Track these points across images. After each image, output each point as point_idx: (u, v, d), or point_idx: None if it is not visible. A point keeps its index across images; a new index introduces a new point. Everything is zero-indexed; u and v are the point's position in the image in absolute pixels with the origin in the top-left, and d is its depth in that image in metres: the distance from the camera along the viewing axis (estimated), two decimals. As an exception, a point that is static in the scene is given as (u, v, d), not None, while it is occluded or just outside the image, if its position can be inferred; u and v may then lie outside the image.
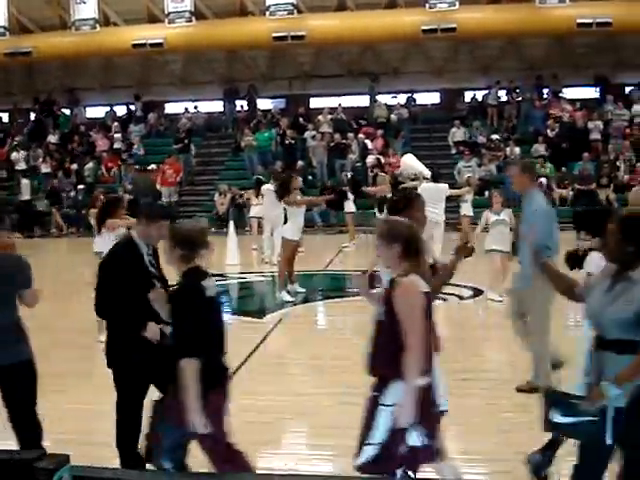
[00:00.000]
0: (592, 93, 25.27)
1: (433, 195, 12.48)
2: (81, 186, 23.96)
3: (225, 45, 25.16)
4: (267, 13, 24.38)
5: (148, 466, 4.32)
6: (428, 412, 3.80)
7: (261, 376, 7.41)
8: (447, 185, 14.33)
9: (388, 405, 3.74)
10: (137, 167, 24.39)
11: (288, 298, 11.19)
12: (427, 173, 14.65)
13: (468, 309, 10.69)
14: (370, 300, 4.16)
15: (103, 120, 27.64)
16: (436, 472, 4.18)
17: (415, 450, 3.73)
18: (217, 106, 27.50)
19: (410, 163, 15.34)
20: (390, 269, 3.91)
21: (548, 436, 4.17)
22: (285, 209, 12.13)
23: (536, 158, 21.68)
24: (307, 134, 24.25)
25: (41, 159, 25.46)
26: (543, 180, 21.24)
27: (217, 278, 13.15)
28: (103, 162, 25.13)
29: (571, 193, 20.98)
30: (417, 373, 3.66)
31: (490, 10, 23.43)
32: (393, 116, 24.83)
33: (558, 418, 3.59)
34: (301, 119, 25.18)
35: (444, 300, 10.11)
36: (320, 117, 24.79)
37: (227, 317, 10.73)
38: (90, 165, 24.85)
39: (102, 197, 10.93)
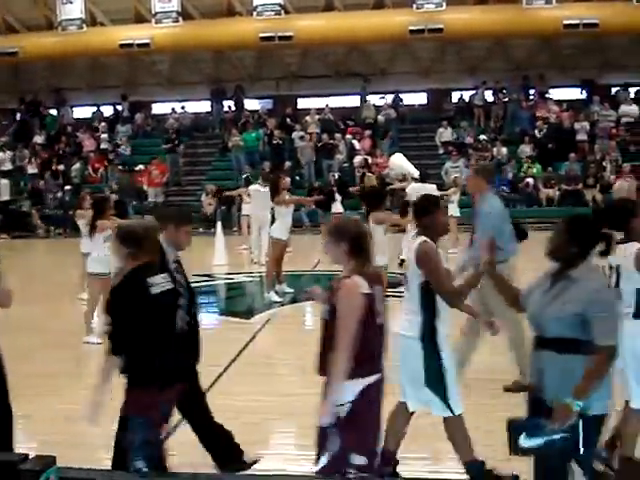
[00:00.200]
0: (578, 94, 25.39)
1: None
2: (68, 187, 23.85)
3: (212, 45, 25.12)
4: (254, 13, 24.38)
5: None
6: (370, 411, 3.83)
7: (249, 376, 7.40)
8: (435, 186, 14.35)
9: (340, 405, 3.75)
10: (121, 168, 24.33)
11: (276, 298, 11.17)
12: (415, 173, 14.64)
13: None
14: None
15: (90, 120, 27.52)
16: None
17: (360, 467, 3.76)
18: (204, 106, 27.44)
19: (399, 163, 15.33)
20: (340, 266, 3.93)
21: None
22: (273, 209, 12.11)
23: (523, 159, 21.88)
24: (295, 134, 24.24)
25: (27, 160, 25.33)
26: (530, 180, 21.39)
27: (205, 278, 13.16)
28: (90, 162, 25.03)
29: (557, 193, 21.09)
30: (344, 374, 3.68)
31: (477, 11, 23.52)
32: (380, 117, 24.86)
33: (527, 442, 3.56)
34: (288, 119, 25.18)
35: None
36: (307, 117, 24.79)
37: (215, 317, 10.78)
38: (77, 166, 24.74)
39: (89, 198, 10.86)
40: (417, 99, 26.94)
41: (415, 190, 13.13)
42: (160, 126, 26.80)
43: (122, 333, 4.10)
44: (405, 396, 4.76)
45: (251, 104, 27.05)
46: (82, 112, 28.46)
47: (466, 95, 25.71)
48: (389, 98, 25.68)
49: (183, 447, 5.03)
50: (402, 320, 4.75)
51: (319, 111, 25.03)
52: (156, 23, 24.75)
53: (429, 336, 4.58)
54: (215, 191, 21.61)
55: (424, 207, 4.87)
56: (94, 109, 27.98)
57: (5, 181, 23.84)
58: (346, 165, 22.81)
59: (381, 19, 23.73)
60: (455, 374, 4.76)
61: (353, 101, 26.41)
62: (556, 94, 25.07)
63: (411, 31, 23.24)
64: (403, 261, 13.91)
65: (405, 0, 23.82)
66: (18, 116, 28.25)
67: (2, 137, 26.77)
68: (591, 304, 3.49)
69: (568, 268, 3.64)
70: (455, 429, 4.68)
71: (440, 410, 4.63)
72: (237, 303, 12.14)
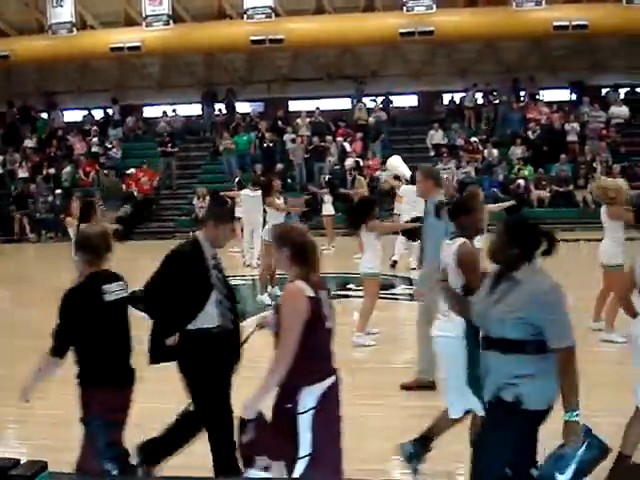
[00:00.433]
0: (568, 95, 25.47)
1: (412, 197, 12.52)
2: (58, 190, 23.77)
3: (203, 48, 25.09)
4: (245, 16, 24.37)
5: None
6: (326, 418, 3.85)
7: (241, 379, 7.37)
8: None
9: (303, 412, 3.78)
10: (106, 172, 24.23)
11: (268, 301, 11.17)
12: (408, 175, 14.68)
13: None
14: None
15: (81, 124, 27.44)
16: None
17: (309, 456, 3.80)
18: (195, 109, 27.40)
19: (395, 164, 15.40)
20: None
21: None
22: (265, 211, 12.09)
23: (514, 160, 21.93)
24: (286, 137, 24.26)
25: (17, 164, 25.25)
26: (521, 182, 21.43)
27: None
28: (81, 166, 24.96)
29: (548, 194, 21.14)
30: (276, 380, 3.73)
31: (467, 13, 23.57)
32: (371, 119, 24.88)
33: (564, 476, 3.57)
34: (280, 122, 25.18)
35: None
36: (298, 120, 24.80)
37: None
38: (67, 169, 24.66)
39: (77, 202, 10.82)
40: (408, 101, 26.97)
41: (407, 192, 13.18)
42: (151, 129, 26.77)
43: (69, 336, 4.22)
44: (447, 402, 4.79)
45: (242, 107, 27.02)
46: (73, 115, 28.36)
47: (457, 97, 25.75)
48: (379, 100, 25.72)
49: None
50: (441, 322, 4.77)
51: (310, 114, 25.04)
52: (147, 26, 24.70)
53: (473, 336, 4.60)
54: (208, 194, 21.57)
55: (462, 207, 4.89)
56: (85, 112, 27.89)
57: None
58: (337, 167, 22.82)
59: (371, 22, 23.74)
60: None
61: (344, 103, 26.42)
62: (546, 96, 25.16)
63: (401, 34, 23.26)
64: (395, 262, 14.00)
65: (395, 3, 23.89)
66: (8, 120, 28.14)
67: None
68: (539, 307, 3.50)
69: (510, 270, 3.65)
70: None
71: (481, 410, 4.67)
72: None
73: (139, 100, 27.74)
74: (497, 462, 3.65)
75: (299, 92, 26.55)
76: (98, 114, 27.96)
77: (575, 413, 3.48)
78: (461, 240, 4.73)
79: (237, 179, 18.54)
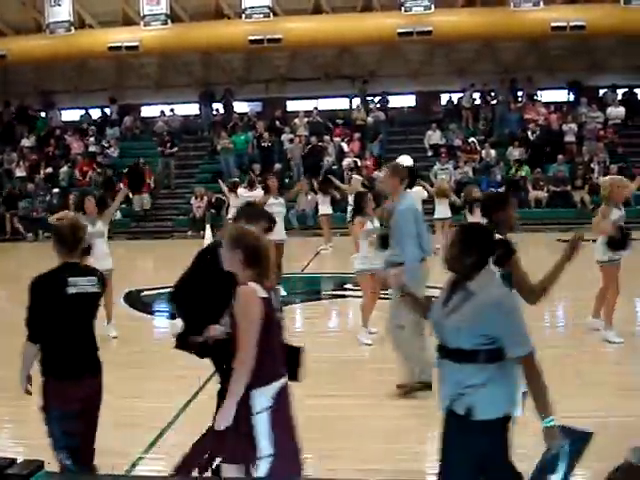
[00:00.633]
0: (566, 96, 25.49)
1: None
2: (55, 190, 23.74)
3: (201, 48, 25.07)
4: (243, 16, 24.35)
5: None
6: (281, 417, 3.88)
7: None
8: (421, 187, 14.45)
9: (258, 413, 3.79)
10: (99, 171, 24.11)
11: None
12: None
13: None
14: None
15: (78, 123, 27.41)
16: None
17: (270, 456, 3.80)
18: (193, 109, 27.39)
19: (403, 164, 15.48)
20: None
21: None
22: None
23: (512, 161, 21.93)
24: (284, 137, 24.26)
25: (15, 163, 25.22)
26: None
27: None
28: (78, 166, 24.93)
29: (546, 195, 21.15)
30: (243, 382, 3.73)
31: (465, 13, 23.58)
32: (370, 119, 24.88)
33: (556, 475, 3.52)
34: (278, 122, 25.18)
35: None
36: (296, 120, 24.80)
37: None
38: (64, 169, 24.64)
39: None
40: (406, 101, 26.98)
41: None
42: (149, 129, 26.75)
43: (37, 322, 4.28)
44: None
45: (240, 107, 27.01)
46: (70, 115, 28.34)
47: (454, 97, 25.75)
48: (376, 100, 25.72)
49: (174, 449, 5.01)
50: None
51: (308, 114, 25.04)
52: (145, 26, 24.68)
53: None
54: (212, 200, 21.56)
55: (496, 203, 4.87)
56: (82, 112, 27.86)
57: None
58: (335, 167, 22.81)
59: (369, 21, 23.73)
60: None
61: (342, 103, 26.42)
62: (544, 96, 25.18)
63: (400, 34, 23.26)
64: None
65: (393, 3, 23.90)
66: (5, 119, 28.09)
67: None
68: (493, 318, 3.46)
69: (465, 279, 3.60)
70: None
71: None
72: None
73: (137, 100, 27.72)
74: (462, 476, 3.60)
75: (297, 92, 26.55)
76: (96, 113, 27.93)
77: (549, 419, 3.44)
78: (496, 237, 4.70)
79: (232, 180, 18.49)
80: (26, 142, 26.19)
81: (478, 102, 25.23)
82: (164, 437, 5.82)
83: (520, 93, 25.03)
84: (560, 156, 21.65)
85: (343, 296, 11.75)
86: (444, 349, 3.63)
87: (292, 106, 26.88)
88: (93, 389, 4.39)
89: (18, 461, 2.68)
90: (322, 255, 16.59)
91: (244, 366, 3.73)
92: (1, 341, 8.71)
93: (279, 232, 11.44)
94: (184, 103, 27.13)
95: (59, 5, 24.99)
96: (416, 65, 26.10)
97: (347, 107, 26.28)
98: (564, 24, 22.28)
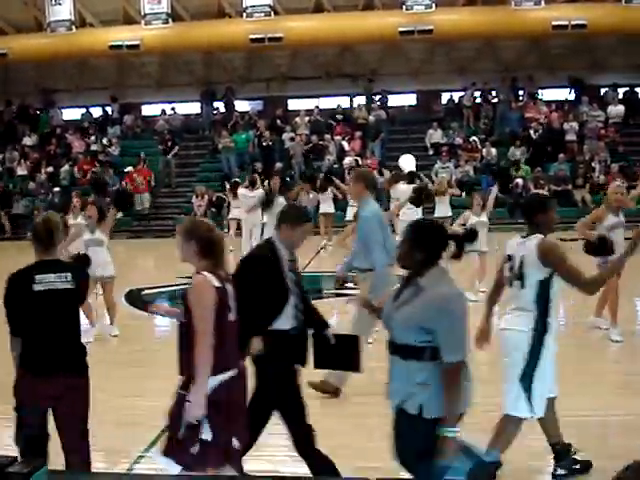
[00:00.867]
0: (567, 94, 25.47)
1: (404, 197, 12.70)
2: (56, 188, 23.76)
3: (202, 47, 25.06)
4: (244, 15, 24.35)
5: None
6: (226, 409, 3.87)
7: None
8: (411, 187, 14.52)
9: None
10: (95, 169, 24.11)
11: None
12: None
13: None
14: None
15: (79, 122, 27.41)
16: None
17: (205, 444, 3.79)
18: (194, 108, 27.38)
19: (402, 164, 15.57)
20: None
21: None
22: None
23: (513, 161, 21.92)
24: (285, 135, 24.27)
25: (16, 161, 25.24)
26: (520, 181, 21.43)
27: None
28: (78, 164, 24.93)
29: (547, 194, 21.11)
30: (207, 370, 3.75)
31: (466, 12, 23.58)
32: (371, 117, 24.87)
33: None
34: (279, 121, 25.18)
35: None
36: (297, 119, 24.80)
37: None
38: (65, 167, 24.65)
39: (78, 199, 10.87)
40: (407, 100, 26.97)
41: (403, 192, 13.31)
42: (150, 128, 26.75)
43: (11, 319, 4.32)
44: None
45: (241, 105, 27.00)
46: (71, 114, 28.34)
47: (455, 96, 25.74)
48: (377, 98, 25.73)
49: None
50: (510, 316, 4.76)
51: (309, 112, 25.03)
52: (145, 24, 24.68)
53: (541, 331, 4.60)
54: (213, 199, 21.56)
55: (539, 205, 4.88)
56: (83, 111, 27.86)
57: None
58: (336, 166, 22.82)
59: (371, 20, 23.74)
60: (551, 374, 4.73)
61: (343, 102, 26.40)
62: (545, 95, 25.16)
63: (401, 32, 23.27)
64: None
65: (395, 1, 23.88)
66: (6, 118, 28.10)
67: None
68: (437, 314, 3.45)
69: (416, 275, 3.61)
70: (509, 428, 4.70)
71: (513, 408, 4.64)
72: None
73: (138, 98, 27.71)
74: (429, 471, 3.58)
75: (298, 90, 26.53)
76: (97, 112, 27.93)
77: (450, 429, 3.42)
78: (539, 236, 4.70)
79: (233, 180, 18.48)
80: (27, 141, 26.21)
81: (479, 101, 25.22)
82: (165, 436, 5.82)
83: (521, 92, 25.02)
84: (561, 155, 21.65)
85: (344, 295, 11.75)
86: (393, 344, 3.63)
87: (293, 105, 26.88)
88: (67, 388, 4.30)
89: (19, 459, 2.70)
90: (321, 254, 16.59)
91: (205, 354, 3.74)
92: (1, 341, 8.70)
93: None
94: (185, 102, 27.13)
95: (60, 4, 24.99)
96: (417, 64, 26.08)
97: (348, 106, 26.26)
98: (565, 23, 22.29)
